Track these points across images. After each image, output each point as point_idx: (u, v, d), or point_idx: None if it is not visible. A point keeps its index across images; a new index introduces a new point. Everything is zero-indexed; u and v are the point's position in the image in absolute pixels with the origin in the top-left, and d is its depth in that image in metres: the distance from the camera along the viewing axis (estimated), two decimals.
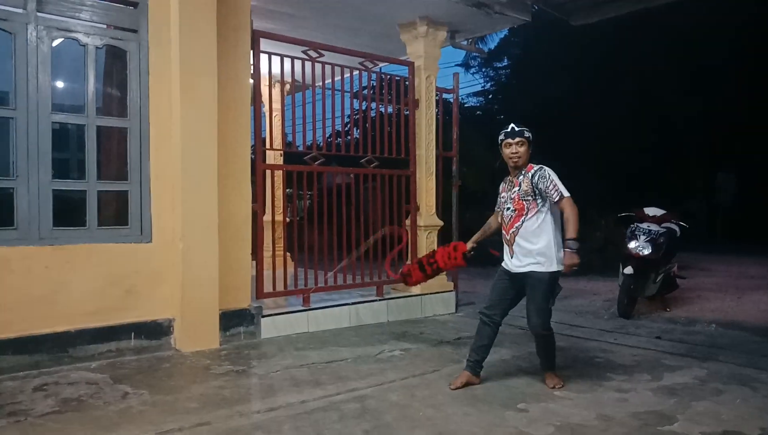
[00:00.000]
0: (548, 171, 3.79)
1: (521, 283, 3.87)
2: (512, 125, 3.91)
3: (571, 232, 3.68)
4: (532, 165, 3.87)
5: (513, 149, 3.85)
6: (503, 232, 3.98)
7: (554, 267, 3.76)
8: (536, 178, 3.77)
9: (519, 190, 3.83)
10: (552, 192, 3.73)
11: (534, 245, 3.77)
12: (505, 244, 3.98)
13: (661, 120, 17.61)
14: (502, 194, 4.01)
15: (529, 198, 3.78)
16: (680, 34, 15.71)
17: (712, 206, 18.61)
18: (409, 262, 4.54)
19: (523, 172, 3.86)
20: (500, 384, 3.95)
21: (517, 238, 3.83)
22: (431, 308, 6.39)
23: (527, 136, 3.85)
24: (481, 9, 6.03)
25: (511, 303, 4.00)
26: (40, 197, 4.32)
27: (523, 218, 3.80)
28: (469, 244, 4.35)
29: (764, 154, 16.69)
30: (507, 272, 3.95)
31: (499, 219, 4.05)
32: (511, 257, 3.89)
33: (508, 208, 3.89)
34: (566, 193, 3.73)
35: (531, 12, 6.57)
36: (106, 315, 4.48)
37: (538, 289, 3.78)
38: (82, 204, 4.56)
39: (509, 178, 3.98)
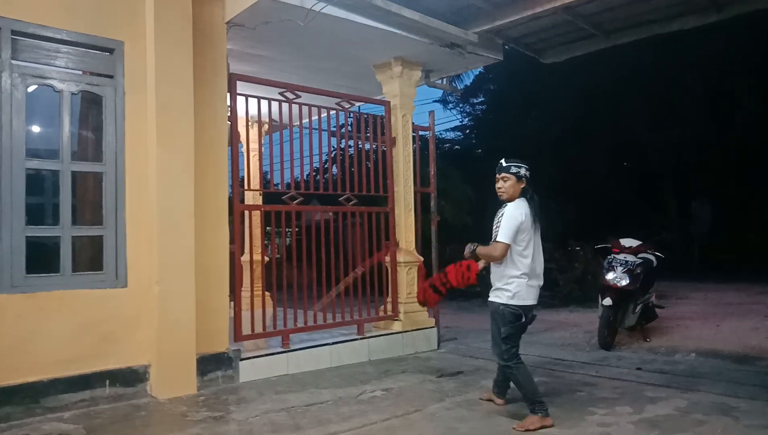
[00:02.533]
0: (509, 211, 3.91)
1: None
2: (501, 160, 4.07)
3: (479, 248, 4.00)
4: (508, 203, 4.01)
5: (499, 184, 4.05)
6: None
7: (504, 299, 3.91)
8: (498, 217, 3.97)
9: (482, 246, 4.08)
10: (495, 230, 3.93)
11: (497, 277, 3.98)
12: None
13: (635, 151, 18.00)
14: None
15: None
16: (652, 68, 16.20)
17: (688, 234, 18.90)
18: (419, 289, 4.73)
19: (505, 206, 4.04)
20: (485, 421, 3.91)
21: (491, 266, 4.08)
22: (413, 346, 6.34)
23: (513, 172, 3.98)
24: (453, 49, 6.18)
25: None
26: (13, 244, 4.25)
27: None
28: (481, 264, 4.34)
29: (736, 182, 17.10)
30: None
31: None
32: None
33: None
34: (502, 239, 3.85)
35: (502, 51, 6.75)
36: (79, 363, 4.38)
37: (494, 318, 3.99)
38: (56, 249, 4.49)
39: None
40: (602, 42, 6.63)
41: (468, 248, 4.06)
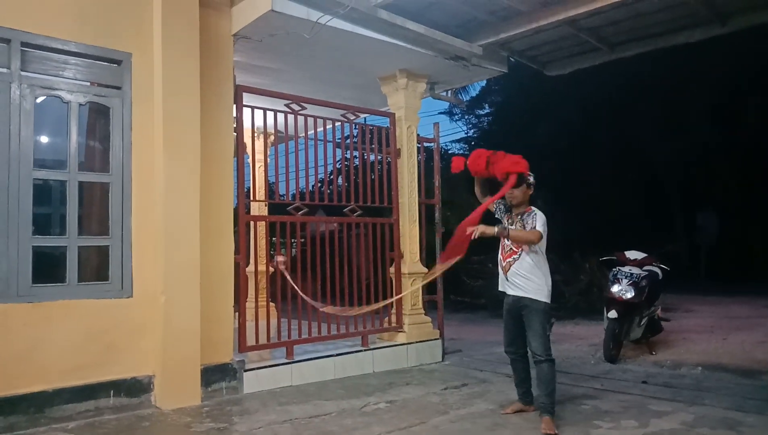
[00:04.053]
0: (539, 214, 4.13)
1: (519, 309, 4.15)
2: None
3: (515, 231, 4.08)
4: (531, 208, 4.22)
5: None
6: (500, 256, 4.30)
7: (544, 297, 4.08)
8: (528, 218, 4.14)
9: (516, 229, 4.17)
10: (533, 225, 4.07)
11: (529, 278, 4.10)
12: (500, 268, 4.30)
13: (640, 163, 17.98)
14: (505, 219, 4.32)
15: None
16: (657, 79, 16.22)
17: (694, 246, 18.81)
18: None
19: (522, 212, 4.20)
20: (489, 434, 3.90)
21: (512, 267, 4.17)
22: (417, 358, 6.32)
23: (525, 179, 4.21)
24: (458, 62, 6.21)
25: (524, 331, 4.22)
26: (20, 254, 4.28)
27: (519, 253, 4.15)
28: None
29: (742, 193, 17.05)
30: (508, 304, 4.24)
31: (499, 249, 4.31)
32: (507, 280, 4.23)
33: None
34: (541, 230, 4.04)
35: (507, 63, 6.78)
36: (84, 373, 4.39)
37: (535, 316, 4.08)
38: (62, 259, 4.51)
39: (514, 210, 4.28)
40: (606, 55, 6.65)
41: (499, 229, 4.05)
